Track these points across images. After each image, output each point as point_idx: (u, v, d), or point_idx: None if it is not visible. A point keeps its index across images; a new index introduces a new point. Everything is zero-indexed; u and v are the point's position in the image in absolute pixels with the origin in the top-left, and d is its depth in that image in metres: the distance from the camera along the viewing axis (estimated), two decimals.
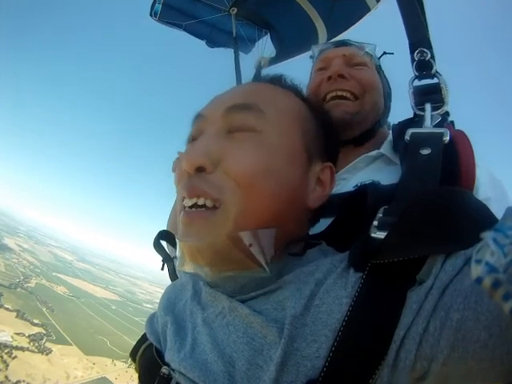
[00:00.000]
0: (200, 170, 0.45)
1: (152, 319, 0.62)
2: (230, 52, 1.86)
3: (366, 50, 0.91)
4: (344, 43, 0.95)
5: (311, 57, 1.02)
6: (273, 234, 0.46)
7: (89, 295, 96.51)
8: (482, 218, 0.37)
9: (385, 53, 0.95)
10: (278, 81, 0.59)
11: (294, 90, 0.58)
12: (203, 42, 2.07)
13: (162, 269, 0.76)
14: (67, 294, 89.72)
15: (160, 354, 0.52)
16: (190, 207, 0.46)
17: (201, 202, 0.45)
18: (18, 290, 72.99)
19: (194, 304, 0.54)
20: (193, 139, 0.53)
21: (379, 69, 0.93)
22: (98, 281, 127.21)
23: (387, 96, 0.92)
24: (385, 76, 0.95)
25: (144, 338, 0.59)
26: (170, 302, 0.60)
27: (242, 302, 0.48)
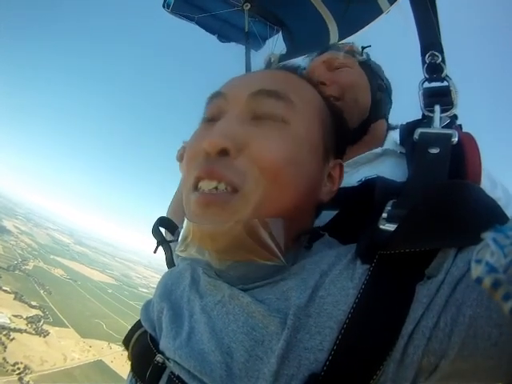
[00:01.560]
0: (223, 153, 0.43)
1: (147, 306, 0.60)
2: (237, 48, 1.84)
3: (346, 50, 0.92)
4: (324, 50, 0.96)
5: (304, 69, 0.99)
6: (290, 224, 0.46)
7: (86, 278, 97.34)
8: (494, 213, 0.37)
9: (363, 48, 0.96)
10: (297, 71, 0.58)
11: (312, 82, 0.58)
12: (213, 37, 2.01)
13: (155, 251, 0.74)
14: (64, 277, 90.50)
15: (154, 342, 0.50)
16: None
17: (222, 186, 0.43)
18: (16, 272, 73.60)
19: (192, 292, 0.53)
20: (211, 119, 0.51)
21: (365, 64, 0.92)
22: (95, 264, 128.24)
23: (379, 89, 0.91)
24: (376, 69, 0.94)
25: (138, 325, 0.57)
26: (166, 288, 0.58)
27: (244, 291, 0.46)
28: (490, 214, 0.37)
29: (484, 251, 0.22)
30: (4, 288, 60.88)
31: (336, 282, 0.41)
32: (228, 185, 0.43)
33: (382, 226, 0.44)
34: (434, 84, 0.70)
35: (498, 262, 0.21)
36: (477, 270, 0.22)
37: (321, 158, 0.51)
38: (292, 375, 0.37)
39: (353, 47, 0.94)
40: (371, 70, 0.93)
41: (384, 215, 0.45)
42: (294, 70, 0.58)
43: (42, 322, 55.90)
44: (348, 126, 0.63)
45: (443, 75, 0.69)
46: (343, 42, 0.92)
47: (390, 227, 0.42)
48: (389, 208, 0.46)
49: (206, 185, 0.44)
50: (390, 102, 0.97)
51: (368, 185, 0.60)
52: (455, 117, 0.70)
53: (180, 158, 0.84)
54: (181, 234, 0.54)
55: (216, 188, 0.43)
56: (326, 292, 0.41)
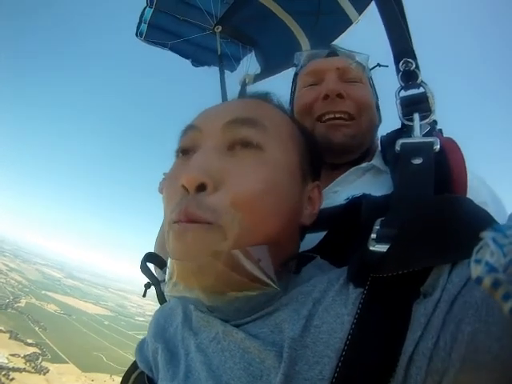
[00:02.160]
0: (201, 188, 0.42)
1: (142, 346, 0.59)
2: (215, 69, 1.82)
3: (360, 61, 0.87)
4: (335, 52, 0.89)
5: (295, 64, 0.97)
6: (275, 250, 0.45)
7: (80, 312, 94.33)
8: (485, 224, 0.34)
9: (379, 65, 0.92)
10: (267, 98, 0.58)
11: (282, 108, 0.58)
12: (188, 61, 2.05)
13: (144, 295, 0.73)
14: (58, 312, 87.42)
15: (152, 383, 0.51)
16: None
17: None
18: (9, 310, 70.78)
19: (185, 329, 0.52)
20: (184, 151, 0.50)
21: (370, 80, 0.90)
22: (88, 297, 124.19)
23: (378, 108, 0.89)
24: (374, 86, 0.91)
25: (134, 366, 0.57)
26: (159, 327, 0.58)
27: (237, 326, 0.46)
28: (482, 224, 0.34)
29: (483, 251, 0.22)
30: None
31: (330, 309, 0.41)
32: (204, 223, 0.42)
33: (371, 248, 0.43)
34: (410, 92, 0.69)
35: (498, 262, 0.21)
36: (476, 270, 0.21)
37: (299, 181, 0.51)
38: None
39: (366, 60, 0.89)
40: (374, 89, 0.90)
41: (373, 236, 0.44)
42: (265, 97, 0.58)
43: (40, 359, 53.96)
44: (319, 148, 0.61)
45: (418, 81, 0.68)
46: (353, 50, 0.89)
47: (380, 248, 0.42)
48: (377, 227, 0.46)
49: None
50: None
51: (354, 203, 0.59)
52: (435, 122, 0.70)
53: (162, 191, 0.81)
54: (166, 273, 0.51)
55: None
56: (321, 320, 0.40)
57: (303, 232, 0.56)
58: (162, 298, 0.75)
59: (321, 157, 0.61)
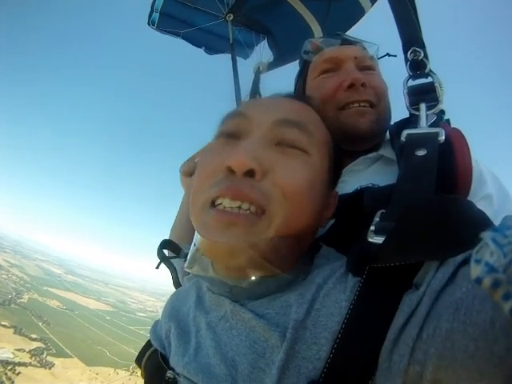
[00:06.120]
0: (249, 173, 0.44)
1: (156, 326, 0.63)
2: (229, 57, 1.82)
3: (373, 50, 0.87)
4: (349, 41, 0.88)
5: (306, 52, 0.94)
6: (297, 244, 0.49)
7: (82, 307, 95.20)
8: (479, 226, 0.37)
9: (388, 54, 0.92)
10: (311, 103, 0.59)
11: (321, 114, 0.58)
12: (201, 49, 2.05)
13: (158, 267, 0.75)
14: (61, 308, 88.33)
15: (165, 359, 0.53)
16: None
17: (245, 206, 0.43)
18: (12, 306, 71.61)
19: (198, 309, 0.55)
20: (231, 135, 0.51)
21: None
22: (90, 293, 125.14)
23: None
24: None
25: (149, 344, 0.60)
26: (173, 308, 0.61)
27: (245, 305, 0.49)
28: (475, 226, 0.36)
29: (483, 251, 0.22)
30: (2, 323, 59.30)
31: (330, 294, 0.44)
32: (252, 205, 0.44)
33: (370, 239, 0.45)
34: (418, 81, 0.69)
35: (498, 262, 0.21)
36: (476, 270, 0.22)
37: (327, 186, 0.54)
38: (292, 383, 0.39)
39: (377, 50, 0.88)
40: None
41: (372, 228, 0.46)
42: (309, 101, 0.59)
43: (45, 353, 54.68)
44: (343, 156, 0.63)
45: (427, 71, 0.67)
46: (364, 40, 0.88)
47: (379, 240, 0.44)
48: (377, 219, 0.48)
49: (228, 203, 0.44)
50: None
51: (359, 194, 0.62)
52: (442, 112, 0.68)
53: (187, 173, 0.83)
54: (190, 250, 0.55)
55: (239, 207, 0.43)
56: (321, 305, 0.43)
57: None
58: (176, 282, 0.78)
59: (342, 165, 0.63)
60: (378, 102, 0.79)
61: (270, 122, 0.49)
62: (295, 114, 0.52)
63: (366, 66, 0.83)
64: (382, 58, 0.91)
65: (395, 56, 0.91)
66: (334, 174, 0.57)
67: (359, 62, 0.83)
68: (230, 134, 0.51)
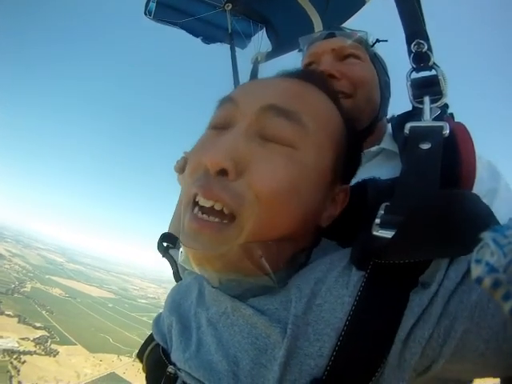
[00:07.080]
0: (222, 173, 0.42)
1: (158, 320, 0.62)
2: (227, 47, 1.79)
3: (357, 39, 0.84)
4: (332, 34, 0.88)
5: (300, 50, 0.97)
6: (284, 246, 0.46)
7: (85, 295, 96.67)
8: (487, 223, 0.36)
9: (378, 40, 0.89)
10: (320, 82, 0.54)
11: (334, 96, 0.54)
12: (199, 39, 2.02)
13: (163, 256, 0.77)
14: (63, 296, 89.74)
15: (166, 354, 0.53)
16: (203, 210, 0.43)
17: (218, 207, 0.42)
18: (15, 295, 72.73)
19: (199, 304, 0.55)
20: (218, 127, 0.49)
21: (374, 57, 0.87)
22: (92, 280, 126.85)
23: (385, 86, 0.87)
24: (382, 64, 0.90)
25: (151, 338, 0.60)
26: (174, 302, 0.60)
27: (245, 300, 0.48)
28: (484, 223, 0.37)
29: (484, 251, 0.23)
30: (7, 312, 60.39)
31: (332, 289, 0.43)
32: (224, 206, 0.42)
33: (375, 233, 0.44)
34: (422, 74, 0.67)
35: (498, 262, 0.21)
36: (477, 270, 0.22)
37: (327, 184, 0.50)
38: (295, 380, 0.39)
39: (365, 37, 0.87)
40: (380, 65, 0.88)
41: (377, 221, 0.45)
42: (315, 78, 0.55)
43: (49, 342, 55.95)
44: (362, 145, 0.61)
45: (430, 63, 0.66)
46: (354, 29, 0.88)
47: (384, 234, 0.43)
48: (382, 212, 0.46)
49: (203, 202, 0.43)
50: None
51: (362, 186, 0.60)
52: (446, 106, 0.67)
53: (180, 170, 0.82)
54: (180, 249, 0.53)
55: (213, 207, 0.42)
56: (323, 300, 0.42)
57: (319, 230, 0.55)
58: (177, 277, 0.78)
59: (359, 158, 0.60)
60: (354, 92, 0.78)
61: (256, 108, 0.46)
62: (287, 98, 0.47)
63: (347, 54, 0.82)
64: (387, 53, 0.91)
65: (386, 41, 0.91)
66: (346, 166, 0.54)
67: (338, 52, 0.83)
68: (219, 124, 0.49)
